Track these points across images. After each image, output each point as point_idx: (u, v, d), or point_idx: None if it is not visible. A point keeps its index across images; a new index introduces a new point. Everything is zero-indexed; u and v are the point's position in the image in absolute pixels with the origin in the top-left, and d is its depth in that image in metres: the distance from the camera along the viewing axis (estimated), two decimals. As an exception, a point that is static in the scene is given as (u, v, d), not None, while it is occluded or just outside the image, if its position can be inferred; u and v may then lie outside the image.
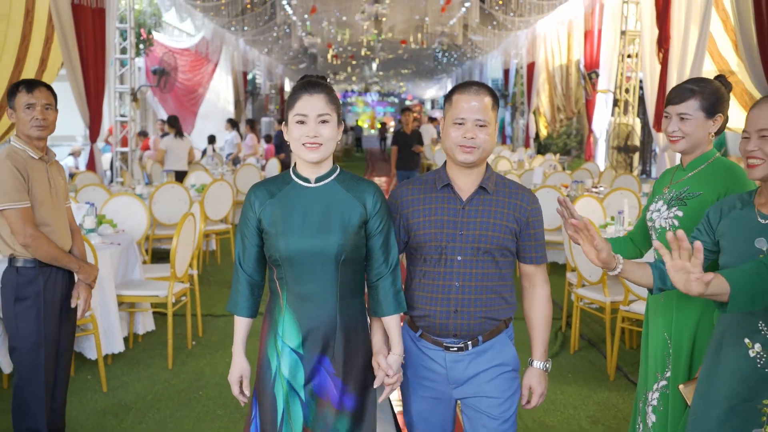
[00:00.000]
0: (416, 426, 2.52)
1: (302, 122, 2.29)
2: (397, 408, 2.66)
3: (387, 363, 2.37)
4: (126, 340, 5.09)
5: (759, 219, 2.15)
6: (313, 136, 2.28)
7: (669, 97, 2.58)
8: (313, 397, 2.33)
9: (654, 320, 2.65)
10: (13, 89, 3.25)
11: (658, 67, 9.32)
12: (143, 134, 15.10)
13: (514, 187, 2.44)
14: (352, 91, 46.33)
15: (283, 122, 2.38)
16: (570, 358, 5.10)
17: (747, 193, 2.27)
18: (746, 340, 2.16)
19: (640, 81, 12.20)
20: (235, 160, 13.77)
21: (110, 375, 4.60)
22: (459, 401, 2.49)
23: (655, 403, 2.61)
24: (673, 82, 8.87)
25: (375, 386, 2.40)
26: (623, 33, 12.42)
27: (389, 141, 26.10)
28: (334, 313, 2.33)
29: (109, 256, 4.77)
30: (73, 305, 3.39)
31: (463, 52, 23.91)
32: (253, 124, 15.58)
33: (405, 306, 2.43)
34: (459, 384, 2.43)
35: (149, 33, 14.86)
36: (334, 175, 2.39)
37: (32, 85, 3.25)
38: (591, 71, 13.43)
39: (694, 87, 2.53)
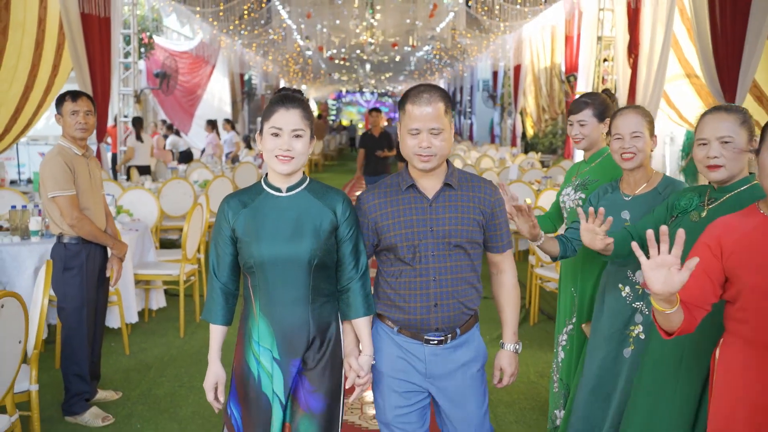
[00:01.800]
0: (393, 424, 2.54)
1: (277, 135, 2.36)
2: (370, 411, 3.03)
3: (359, 364, 2.45)
4: (141, 314, 5.83)
5: (623, 198, 2.92)
6: (286, 149, 2.35)
7: (570, 109, 3.35)
8: (290, 399, 2.43)
9: (564, 279, 3.42)
10: (61, 99, 4.00)
11: (629, 71, 9.91)
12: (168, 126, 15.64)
13: (476, 180, 2.53)
14: (347, 91, 46.99)
15: (258, 132, 2.45)
16: (529, 329, 5.87)
17: (615, 181, 3.03)
18: (620, 285, 2.93)
19: (616, 83, 12.94)
20: (234, 158, 14.51)
21: (130, 342, 5.35)
22: (434, 400, 2.57)
23: (564, 343, 3.38)
24: (641, 85, 9.47)
25: (347, 387, 2.47)
26: (599, 39, 13.11)
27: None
28: (307, 317, 2.40)
29: (128, 240, 5.51)
30: (108, 275, 4.16)
31: (453, 55, 24.65)
32: (214, 124, 15.83)
33: (374, 308, 2.52)
34: (435, 378, 2.50)
35: (150, 37, 15.60)
36: (305, 184, 2.47)
37: (76, 95, 4.00)
38: (570, 74, 14.18)
39: (588, 99, 3.31)
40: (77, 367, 3.99)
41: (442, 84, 36.16)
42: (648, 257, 1.88)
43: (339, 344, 2.49)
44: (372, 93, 46.55)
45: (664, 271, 1.86)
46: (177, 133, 16.27)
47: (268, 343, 2.40)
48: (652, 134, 2.89)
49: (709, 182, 2.54)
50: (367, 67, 31.24)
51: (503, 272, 2.60)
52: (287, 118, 2.36)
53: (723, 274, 2.04)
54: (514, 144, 19.42)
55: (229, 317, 2.51)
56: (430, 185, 2.48)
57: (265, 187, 2.47)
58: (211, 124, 15.41)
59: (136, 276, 5.61)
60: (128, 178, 10.72)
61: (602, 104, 3.31)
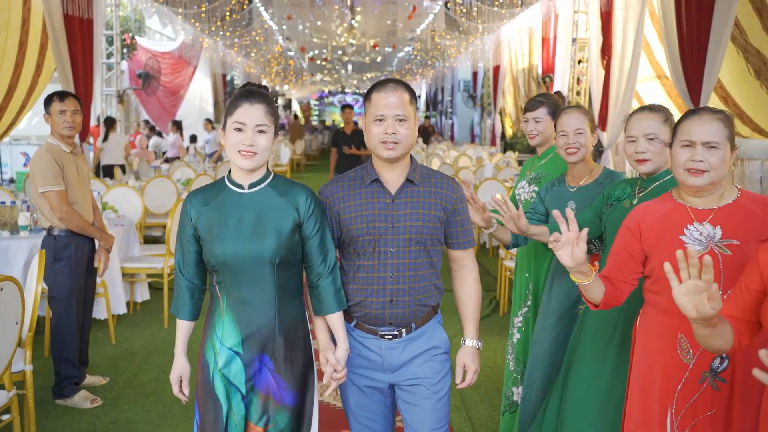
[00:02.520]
0: (356, 417, 2.59)
1: (240, 130, 2.34)
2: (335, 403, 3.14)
3: (336, 359, 2.45)
4: (127, 305, 6.05)
5: (569, 189, 3.20)
6: (249, 144, 2.33)
7: (526, 107, 3.62)
8: (253, 391, 2.41)
9: (519, 267, 3.69)
10: (49, 99, 4.22)
11: (603, 72, 10.13)
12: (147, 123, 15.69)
13: (438, 176, 2.54)
14: (329, 92, 47.20)
15: (221, 126, 2.42)
16: (499, 319, 6.15)
17: (561, 175, 3.31)
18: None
19: (590, 84, 13.25)
20: (217, 158, 14.71)
21: (116, 332, 5.56)
22: (395, 387, 2.58)
23: (519, 325, 3.65)
24: (614, 85, 9.65)
25: (324, 382, 2.46)
26: (574, 40, 13.43)
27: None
28: (273, 315, 2.39)
29: (114, 235, 5.72)
30: (96, 265, 4.38)
31: (433, 56, 24.96)
32: (179, 125, 15.74)
33: (345, 303, 2.50)
34: (394, 370, 2.51)
35: (132, 38, 15.75)
36: (268, 180, 2.44)
37: (63, 95, 4.22)
38: (546, 75, 14.49)
39: (542, 99, 3.58)
40: (67, 352, 4.22)
41: (423, 85, 36.46)
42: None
43: (308, 341, 2.49)
44: (354, 93, 46.76)
45: (569, 247, 2.14)
46: (159, 134, 16.43)
47: (231, 341, 2.39)
48: (593, 131, 3.17)
49: (639, 174, 2.82)
50: (349, 67, 31.50)
51: (464, 268, 2.59)
52: (251, 113, 2.34)
53: (643, 253, 2.31)
54: (493, 144, 19.73)
55: (195, 312, 2.51)
56: (393, 179, 2.49)
57: (227, 183, 2.44)
58: (176, 125, 15.38)
59: (122, 269, 5.83)
60: (112, 177, 10.89)
61: (555, 104, 3.59)
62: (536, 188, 3.56)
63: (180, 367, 2.54)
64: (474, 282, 2.60)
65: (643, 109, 2.71)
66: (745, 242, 2.12)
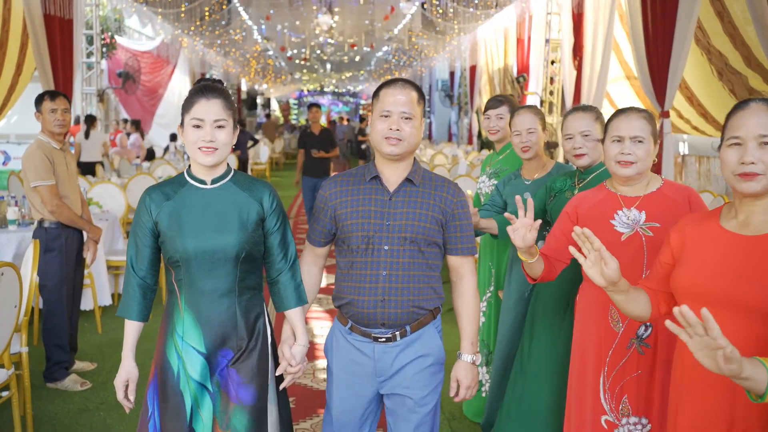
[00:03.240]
0: (337, 421, 2.53)
1: (198, 126, 2.32)
2: (321, 375, 3.18)
3: (291, 353, 2.45)
4: (111, 297, 6.27)
5: (525, 182, 3.49)
6: (208, 140, 2.31)
7: (488, 105, 3.91)
8: (218, 388, 2.38)
9: (482, 254, 3.98)
10: (40, 98, 4.44)
11: (575, 72, 10.38)
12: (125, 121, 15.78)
13: (440, 180, 2.52)
14: (308, 91, 47.36)
15: (179, 124, 2.40)
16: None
17: (518, 169, 3.60)
18: (525, 255, 3.49)
19: (563, 84, 13.59)
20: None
21: (102, 322, 5.78)
22: (383, 396, 2.54)
23: (484, 309, 3.93)
24: (585, 85, 9.90)
25: (277, 374, 2.46)
26: (547, 41, 13.76)
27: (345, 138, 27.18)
28: (234, 309, 2.38)
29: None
30: (84, 256, 4.62)
31: (411, 56, 25.26)
32: (138, 125, 15.77)
33: (306, 299, 2.50)
34: (385, 377, 2.47)
35: (112, 37, 15.88)
36: (229, 176, 2.44)
37: (54, 95, 4.45)
38: (520, 75, 14.82)
39: (503, 98, 3.88)
40: (58, 338, 4.46)
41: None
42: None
43: (267, 336, 2.47)
44: (333, 93, 46.97)
45: (523, 230, 2.40)
46: (141, 133, 16.57)
47: (193, 339, 2.36)
48: (544, 129, 3.47)
49: (576, 167, 3.12)
50: (328, 66, 31.73)
51: (462, 279, 2.54)
52: (208, 109, 2.33)
53: None
54: (470, 142, 20.03)
55: (145, 313, 2.45)
56: (393, 178, 2.47)
57: (188, 179, 2.42)
58: (135, 125, 15.38)
59: (107, 262, 6.06)
60: (93, 174, 11.05)
61: (513, 103, 3.89)
62: (496, 182, 3.85)
63: (127, 371, 2.45)
64: (472, 295, 2.54)
65: (577, 109, 3.03)
66: (665, 225, 2.41)
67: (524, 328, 3.32)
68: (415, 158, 2.54)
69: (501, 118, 3.89)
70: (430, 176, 2.53)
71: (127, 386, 2.46)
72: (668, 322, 1.62)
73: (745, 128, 1.82)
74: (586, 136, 2.99)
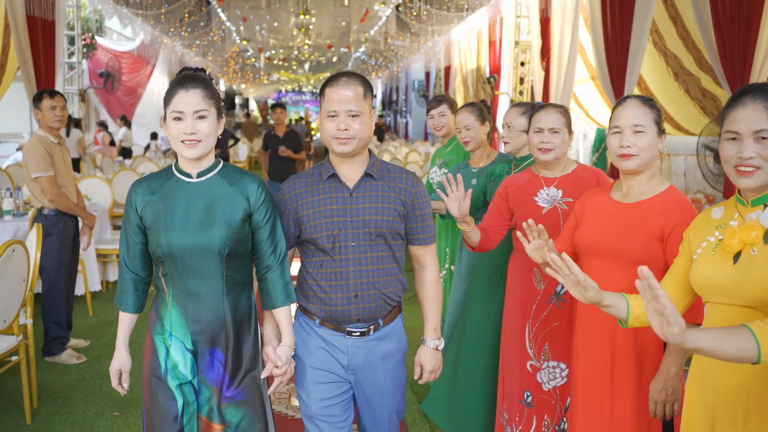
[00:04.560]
0: (318, 416, 2.50)
1: (179, 119, 2.26)
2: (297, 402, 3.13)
3: (276, 354, 2.39)
4: (101, 283, 6.68)
5: (472, 170, 3.96)
6: (190, 132, 2.25)
7: (430, 106, 4.45)
8: (207, 388, 2.36)
9: (438, 234, 4.45)
10: (39, 96, 4.84)
11: (543, 73, 10.81)
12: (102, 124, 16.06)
13: (397, 171, 2.51)
14: (286, 91, 47.69)
15: (162, 119, 2.35)
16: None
17: (466, 159, 4.07)
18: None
19: (532, 84, 14.06)
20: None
21: (92, 305, 6.19)
22: (354, 388, 2.54)
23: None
24: (553, 86, 10.30)
25: (263, 377, 2.41)
26: (517, 43, 14.23)
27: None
28: (221, 307, 2.33)
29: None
30: (80, 241, 5.04)
31: (387, 57, 25.74)
32: (105, 125, 15.82)
33: (294, 297, 2.45)
34: (357, 370, 2.48)
35: (93, 38, 16.18)
36: (217, 169, 2.37)
37: (53, 93, 4.86)
38: (491, 75, 15.31)
39: (441, 98, 4.44)
40: (56, 315, 4.88)
41: (378, 84, 37.07)
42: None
43: (257, 335, 2.46)
44: (312, 93, 47.31)
45: (457, 202, 2.81)
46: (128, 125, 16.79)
47: (181, 334, 2.34)
48: (482, 123, 3.94)
49: (512, 155, 3.63)
50: (306, 67, 32.12)
51: (425, 267, 2.57)
52: (188, 99, 2.26)
53: (509, 211, 3.07)
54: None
55: (139, 305, 2.45)
56: (351, 174, 2.45)
57: (175, 172, 2.37)
58: (102, 125, 15.54)
59: (96, 251, 6.47)
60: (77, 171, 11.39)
61: (452, 102, 4.41)
62: (446, 171, 4.32)
63: (121, 360, 2.46)
64: (434, 282, 2.57)
65: (542, 106, 3.50)
66: (577, 199, 2.91)
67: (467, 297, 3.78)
68: (370, 151, 2.52)
69: (443, 115, 4.40)
70: (388, 168, 2.52)
71: (120, 375, 2.47)
72: (548, 269, 2.06)
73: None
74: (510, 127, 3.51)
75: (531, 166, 3.15)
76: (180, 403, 2.36)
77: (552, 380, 2.97)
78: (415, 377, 2.60)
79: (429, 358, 2.56)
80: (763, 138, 1.79)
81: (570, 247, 2.54)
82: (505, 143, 3.56)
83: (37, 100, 4.86)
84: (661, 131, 2.36)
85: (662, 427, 2.35)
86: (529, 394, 3.01)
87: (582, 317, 2.49)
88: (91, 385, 4.54)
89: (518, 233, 2.47)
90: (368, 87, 2.45)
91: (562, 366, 2.95)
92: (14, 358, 3.92)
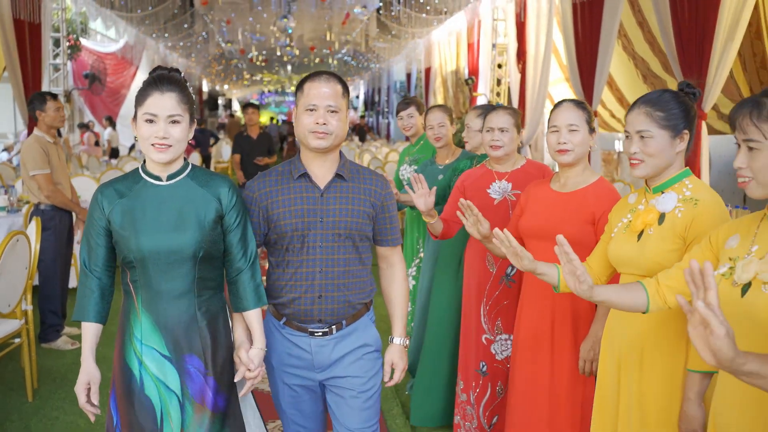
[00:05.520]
0: (288, 415, 2.54)
1: (151, 121, 2.20)
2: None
3: (248, 357, 2.35)
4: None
5: (438, 167, 4.30)
6: (162, 137, 2.19)
7: (398, 108, 4.78)
8: (189, 400, 2.28)
9: (410, 227, 4.79)
10: (43, 98, 5.12)
11: (519, 75, 11.10)
12: (84, 126, 16.28)
13: (367, 173, 2.53)
14: (269, 91, 47.91)
15: (132, 117, 2.27)
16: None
17: (432, 157, 4.42)
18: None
19: (509, 86, 14.38)
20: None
21: (84, 299, 6.49)
22: (325, 386, 2.53)
23: (414, 273, 4.74)
24: (529, 87, 10.63)
25: (236, 380, 2.37)
26: (494, 46, 14.54)
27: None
28: (194, 311, 2.28)
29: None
30: (75, 234, 5.36)
31: (369, 58, 26.06)
32: (110, 119, 16.25)
33: (265, 299, 2.42)
34: (324, 368, 2.48)
35: (77, 39, 16.38)
36: (186, 171, 2.32)
37: (54, 96, 5.17)
38: (469, 77, 15.66)
39: (410, 100, 4.75)
40: (52, 304, 5.20)
41: (361, 85, 37.36)
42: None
43: (229, 337, 2.41)
44: (294, 93, 47.50)
45: (423, 198, 3.10)
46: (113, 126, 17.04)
47: (154, 341, 2.26)
48: (452, 123, 4.29)
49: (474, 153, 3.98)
50: (288, 68, 32.39)
51: (392, 266, 2.60)
52: (162, 103, 2.20)
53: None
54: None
55: (103, 314, 2.33)
56: (321, 174, 2.45)
57: (143, 175, 2.30)
58: (85, 126, 15.80)
59: (87, 246, 6.77)
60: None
61: (419, 104, 4.76)
62: (415, 167, 4.66)
63: (88, 374, 2.29)
64: (401, 280, 2.60)
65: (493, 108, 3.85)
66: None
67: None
68: (341, 152, 2.52)
69: (411, 116, 4.76)
70: (358, 169, 2.53)
71: (89, 390, 2.30)
72: (489, 245, 2.56)
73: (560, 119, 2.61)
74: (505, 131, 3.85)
75: (485, 162, 3.51)
76: (159, 412, 2.27)
77: (504, 351, 3.34)
78: (386, 378, 2.57)
79: (401, 356, 2.55)
80: (643, 137, 2.20)
81: (516, 232, 2.90)
82: (465, 142, 3.91)
83: (40, 102, 5.14)
84: (592, 130, 2.72)
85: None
86: (484, 363, 3.38)
87: (526, 288, 2.87)
88: (87, 368, 4.85)
89: (458, 212, 2.77)
90: (346, 87, 2.47)
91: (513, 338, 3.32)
92: (17, 341, 4.24)
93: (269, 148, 8.24)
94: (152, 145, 2.21)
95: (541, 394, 2.81)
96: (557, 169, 2.90)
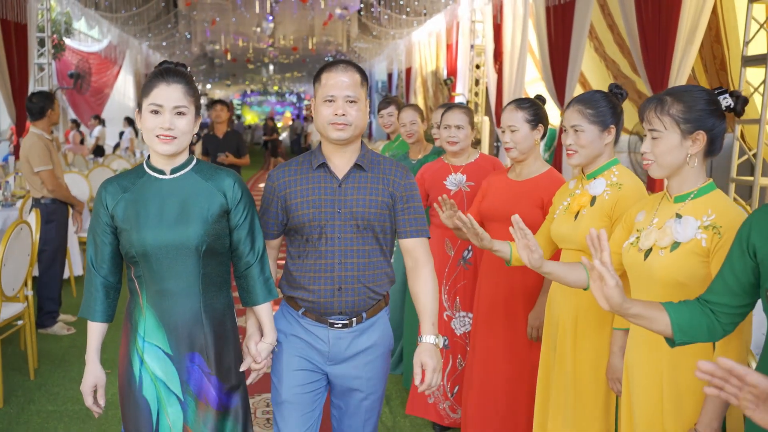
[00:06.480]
0: (287, 402, 2.45)
1: (157, 112, 2.17)
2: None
3: (256, 349, 2.35)
4: (83, 267, 7.24)
5: (411, 162, 4.63)
6: (167, 128, 2.16)
7: (379, 107, 5.12)
8: (192, 397, 2.26)
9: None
10: (52, 97, 5.44)
11: (496, 76, 11.34)
12: (76, 122, 16.47)
13: (387, 162, 2.45)
14: (252, 91, 48.02)
15: (137, 109, 2.24)
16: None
17: (406, 152, 4.74)
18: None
19: (487, 86, 14.66)
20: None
21: (76, 288, 6.80)
22: (332, 383, 2.50)
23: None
24: (506, 87, 10.89)
25: (241, 369, 2.37)
26: (472, 47, 14.82)
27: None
28: (198, 307, 2.24)
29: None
30: (73, 225, 5.67)
31: (350, 58, 26.33)
32: (78, 125, 16.26)
33: (276, 293, 2.37)
34: (337, 362, 2.43)
35: (61, 39, 16.54)
36: (191, 165, 2.29)
37: (55, 95, 5.46)
38: (448, 77, 15.98)
39: (390, 100, 5.10)
40: (51, 292, 5.52)
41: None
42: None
43: (236, 334, 2.40)
44: (277, 93, 47.67)
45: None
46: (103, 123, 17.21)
47: (157, 339, 2.24)
48: (423, 121, 4.63)
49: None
50: (271, 68, 32.61)
51: (418, 261, 2.44)
52: (168, 94, 2.17)
53: (425, 193, 3.78)
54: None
55: (110, 313, 2.31)
56: (341, 164, 2.40)
57: (147, 169, 2.28)
58: (75, 123, 15.97)
59: (78, 239, 7.06)
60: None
61: (400, 102, 5.11)
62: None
63: (94, 375, 2.30)
64: (429, 276, 2.43)
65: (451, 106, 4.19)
66: (478, 183, 3.62)
67: None
68: (362, 142, 2.46)
69: (391, 115, 5.10)
70: (378, 159, 2.46)
71: (95, 392, 2.31)
72: (458, 233, 2.85)
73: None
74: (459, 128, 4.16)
75: (442, 156, 3.87)
76: (154, 412, 2.26)
77: (462, 327, 3.72)
78: (416, 382, 2.33)
79: (431, 355, 2.34)
80: (576, 131, 2.57)
81: (478, 216, 3.25)
82: (435, 139, 4.25)
83: (51, 101, 5.46)
84: (535, 126, 3.04)
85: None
86: (445, 338, 3.73)
87: (483, 268, 3.25)
88: (83, 350, 5.08)
89: (435, 205, 3.06)
90: (365, 76, 2.40)
91: (470, 315, 3.68)
92: (20, 323, 4.53)
93: (238, 147, 7.57)
94: (157, 136, 2.19)
95: (499, 358, 3.19)
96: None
